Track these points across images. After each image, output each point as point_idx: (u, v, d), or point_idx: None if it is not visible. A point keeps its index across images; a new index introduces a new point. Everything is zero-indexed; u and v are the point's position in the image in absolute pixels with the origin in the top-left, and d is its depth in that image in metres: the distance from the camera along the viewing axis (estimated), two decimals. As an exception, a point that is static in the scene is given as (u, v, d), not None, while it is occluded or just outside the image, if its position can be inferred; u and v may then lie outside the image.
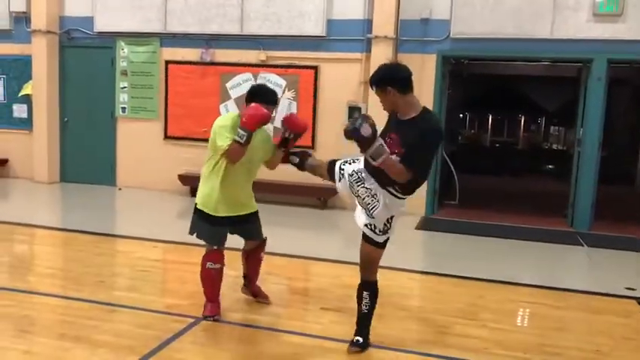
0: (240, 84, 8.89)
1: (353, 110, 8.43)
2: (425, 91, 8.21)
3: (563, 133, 18.08)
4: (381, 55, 8.10)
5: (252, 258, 4.47)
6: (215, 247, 4.07)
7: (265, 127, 4.05)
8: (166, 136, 9.36)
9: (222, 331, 3.96)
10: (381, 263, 5.06)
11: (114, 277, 5.04)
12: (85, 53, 9.66)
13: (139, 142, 9.50)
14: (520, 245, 6.94)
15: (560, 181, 10.11)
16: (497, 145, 18.61)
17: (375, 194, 3.48)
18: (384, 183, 3.42)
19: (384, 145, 3.24)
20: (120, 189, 9.52)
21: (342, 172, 3.74)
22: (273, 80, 8.74)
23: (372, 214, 3.49)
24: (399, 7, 8.15)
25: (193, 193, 9.09)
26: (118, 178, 9.70)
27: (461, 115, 18.69)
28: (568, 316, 4.66)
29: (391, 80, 3.38)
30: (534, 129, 19.96)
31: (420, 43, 8.18)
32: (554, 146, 18.38)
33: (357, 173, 3.61)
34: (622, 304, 4.93)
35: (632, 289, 5.25)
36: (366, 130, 3.20)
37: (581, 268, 6.42)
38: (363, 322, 3.69)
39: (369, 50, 8.24)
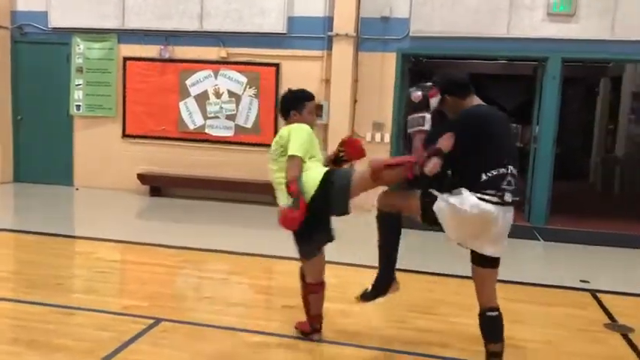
0: (201, 81, 8.79)
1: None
2: (385, 90, 8.30)
3: (521, 130, 18.49)
4: (342, 52, 8.16)
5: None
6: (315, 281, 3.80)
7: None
8: (125, 135, 9.18)
9: (183, 331, 3.90)
10: (333, 259, 5.04)
11: (71, 279, 4.93)
12: (39, 49, 9.38)
13: (96, 141, 9.29)
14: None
15: (519, 176, 10.31)
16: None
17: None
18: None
19: (426, 119, 3.17)
20: (77, 189, 9.29)
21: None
22: (234, 77, 8.68)
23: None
24: (359, 5, 8.19)
25: (153, 192, 9.03)
26: (75, 177, 9.46)
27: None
28: (524, 309, 4.76)
29: (446, 89, 3.28)
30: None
31: (381, 41, 8.24)
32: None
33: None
34: (577, 296, 5.08)
35: (587, 282, 5.41)
36: (416, 96, 3.20)
37: (537, 262, 6.59)
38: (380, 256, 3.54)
39: (330, 48, 8.26)
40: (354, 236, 7.40)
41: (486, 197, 3.09)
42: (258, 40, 8.57)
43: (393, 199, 3.42)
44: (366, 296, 3.56)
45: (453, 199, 3.11)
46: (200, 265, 5.71)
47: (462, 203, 3.09)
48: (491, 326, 3.31)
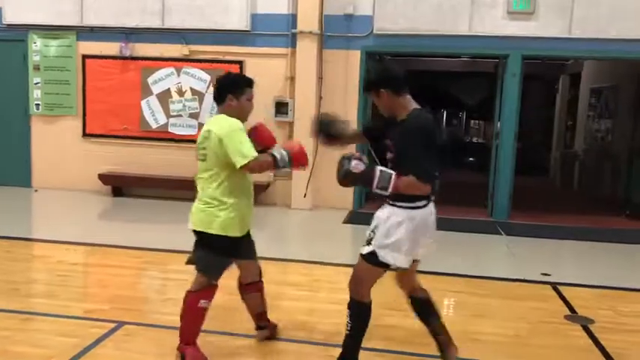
0: (163, 79, 8.65)
1: (280, 105, 8.40)
2: (350, 88, 8.31)
3: (483, 126, 18.80)
4: (307, 50, 8.13)
5: (257, 287, 3.73)
6: (214, 282, 3.42)
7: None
8: (85, 134, 8.97)
9: (147, 334, 3.83)
10: (309, 258, 5.04)
11: (29, 284, 4.77)
12: (-7, 46, 9.09)
13: (55, 141, 9.05)
14: (442, 236, 7.09)
15: (481, 173, 10.50)
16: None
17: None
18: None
19: (384, 171, 2.99)
20: (36, 190, 9.03)
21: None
22: (197, 75, 8.56)
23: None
24: (322, 3, 8.17)
25: (115, 192, 8.84)
26: (33, 178, 9.20)
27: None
28: (488, 303, 4.83)
29: (383, 82, 3.13)
30: (456, 123, 20.61)
31: (345, 39, 8.24)
32: (475, 139, 19.07)
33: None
34: (539, 289, 5.18)
35: (548, 275, 5.52)
36: (357, 166, 2.99)
37: (500, 257, 6.69)
38: (344, 344, 3.29)
39: (294, 45, 8.22)
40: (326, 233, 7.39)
41: (417, 204, 3.09)
42: (221, 37, 8.48)
43: (361, 283, 3.21)
44: None
45: (384, 235, 3.05)
46: (162, 266, 5.61)
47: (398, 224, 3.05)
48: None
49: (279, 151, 3.27)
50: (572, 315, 4.51)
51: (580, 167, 11.78)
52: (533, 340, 4.00)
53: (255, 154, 3.19)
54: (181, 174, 8.57)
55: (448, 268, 5.56)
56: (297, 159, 3.31)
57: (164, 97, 8.67)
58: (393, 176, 2.97)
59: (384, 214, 3.09)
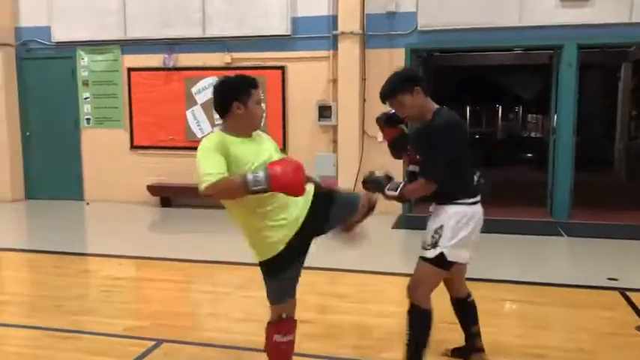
0: (206, 88, 8.62)
1: (323, 109, 8.22)
2: (395, 86, 8.02)
3: (541, 120, 18.05)
4: (349, 51, 7.93)
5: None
6: (284, 315, 2.98)
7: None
8: (133, 146, 9.06)
9: (187, 352, 3.70)
10: (354, 267, 4.79)
11: (73, 300, 4.72)
12: (44, 64, 9.31)
13: (105, 154, 9.18)
14: (500, 239, 6.75)
15: (540, 169, 10.00)
16: (477, 136, 18.53)
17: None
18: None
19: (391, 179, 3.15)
20: (88, 203, 9.19)
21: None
22: (239, 83, 8.48)
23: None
24: (363, 2, 7.94)
25: (163, 203, 8.89)
26: (85, 192, 9.36)
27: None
28: (549, 313, 4.48)
29: (415, 78, 3.13)
30: (512, 118, 19.90)
31: (387, 37, 7.97)
32: (533, 134, 18.34)
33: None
34: (605, 296, 4.77)
35: (615, 280, 5.09)
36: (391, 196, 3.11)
37: (561, 260, 6.27)
38: (407, 353, 3.15)
39: (335, 47, 8.03)
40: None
41: (471, 200, 3.11)
42: (262, 43, 8.37)
43: (423, 287, 3.12)
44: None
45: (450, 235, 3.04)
46: (208, 278, 5.53)
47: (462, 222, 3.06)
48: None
49: (254, 173, 2.62)
50: (645, 325, 4.11)
51: (647, 160, 11.03)
52: (600, 355, 3.64)
53: (215, 175, 2.62)
54: (227, 183, 8.52)
55: (504, 275, 5.23)
56: (279, 182, 2.60)
57: (208, 106, 8.63)
58: (401, 184, 3.09)
59: (447, 213, 3.05)
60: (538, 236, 6.91)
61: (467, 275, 5.15)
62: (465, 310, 3.40)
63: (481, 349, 3.40)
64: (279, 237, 2.87)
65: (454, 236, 3.02)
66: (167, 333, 3.97)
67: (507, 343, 3.80)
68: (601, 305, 4.57)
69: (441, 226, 3.03)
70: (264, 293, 4.72)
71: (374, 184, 3.15)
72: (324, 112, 8.16)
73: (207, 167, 2.65)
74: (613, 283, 5.01)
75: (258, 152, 2.82)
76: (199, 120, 8.71)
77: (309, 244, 2.99)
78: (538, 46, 8.41)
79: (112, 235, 7.38)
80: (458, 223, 3.02)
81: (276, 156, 2.91)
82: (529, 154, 15.30)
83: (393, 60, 7.96)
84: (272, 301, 2.98)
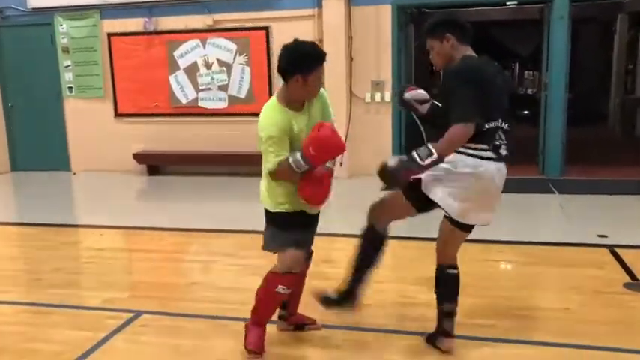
0: (189, 52, 8.39)
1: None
2: (382, 46, 7.81)
3: (537, 77, 17.78)
4: (334, 9, 7.68)
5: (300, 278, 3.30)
6: (294, 270, 3.03)
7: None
8: (117, 114, 8.87)
9: (164, 324, 3.61)
10: (337, 231, 4.68)
11: (52, 273, 4.61)
12: (22, 32, 9.03)
13: (89, 123, 8.97)
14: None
15: (536, 126, 9.85)
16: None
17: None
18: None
19: (422, 151, 2.73)
20: (74, 174, 9.05)
21: None
22: (222, 45, 8.26)
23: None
24: (348, -43, 7.66)
25: (150, 171, 8.75)
26: (71, 162, 9.21)
27: (434, 67, 18.28)
28: (539, 272, 4.41)
29: (450, 25, 2.90)
30: (508, 74, 19.61)
31: (374, -7, 7.72)
32: (529, 91, 18.08)
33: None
34: (594, 253, 4.69)
35: (605, 237, 5.01)
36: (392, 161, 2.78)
37: (552, 218, 6.18)
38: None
39: (320, 6, 7.76)
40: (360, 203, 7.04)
41: (481, 153, 2.79)
42: (244, 3, 8.10)
43: (383, 208, 3.14)
44: (327, 301, 3.26)
45: (443, 165, 2.77)
46: (193, 247, 5.44)
47: (457, 166, 2.80)
48: (450, 285, 3.05)
49: (294, 158, 2.80)
50: (633, 282, 4.03)
51: (642, 114, 10.87)
52: (587, 315, 3.56)
53: (279, 161, 2.85)
54: (215, 148, 8.39)
55: (495, 235, 5.12)
56: (312, 154, 2.75)
57: (192, 70, 8.43)
58: (429, 145, 2.71)
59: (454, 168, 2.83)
60: (530, 194, 6.80)
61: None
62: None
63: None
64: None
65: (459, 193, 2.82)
66: (147, 304, 3.89)
67: (495, 304, 3.74)
68: (590, 263, 4.50)
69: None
70: (252, 261, 4.66)
71: (396, 172, 2.75)
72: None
73: (274, 150, 2.85)
74: (602, 240, 4.93)
75: (309, 125, 2.91)
76: (183, 85, 8.50)
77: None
78: (530, 0, 8.15)
79: (96, 205, 7.28)
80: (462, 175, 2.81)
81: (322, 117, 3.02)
82: (525, 111, 15.10)
83: (380, 17, 7.74)
84: (276, 246, 3.07)
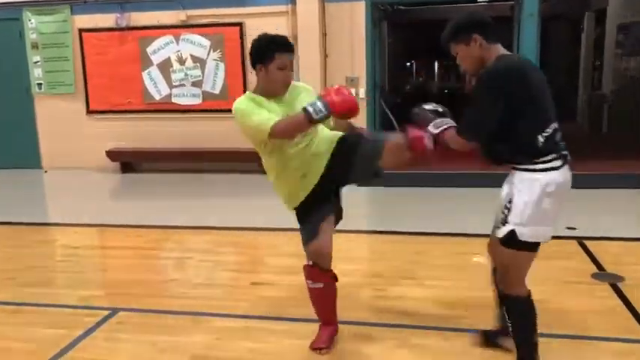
0: (162, 48, 8.32)
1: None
2: (357, 42, 7.86)
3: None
4: (307, 5, 7.70)
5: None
6: (311, 262, 3.05)
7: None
8: (89, 111, 8.75)
9: (142, 321, 3.61)
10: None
11: (26, 272, 4.55)
12: (-10, 27, 8.86)
13: (60, 120, 8.84)
14: (468, 193, 6.76)
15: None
16: (446, 91, 18.47)
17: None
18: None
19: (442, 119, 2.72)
20: (45, 171, 8.91)
21: None
22: (196, 41, 8.21)
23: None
24: (322, -47, 7.68)
25: (124, 169, 8.67)
26: (42, 159, 9.06)
27: (408, 64, 18.45)
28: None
29: (476, 25, 2.64)
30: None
31: (348, -10, 7.76)
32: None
33: None
34: (564, 245, 4.80)
35: (573, 229, 5.14)
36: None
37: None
38: (516, 346, 2.79)
39: (294, 2, 7.77)
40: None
41: (552, 164, 2.54)
42: (218, -1, 8.08)
43: (508, 273, 2.73)
44: None
45: (524, 198, 2.52)
46: (169, 244, 5.42)
47: (535, 193, 2.52)
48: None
49: (311, 104, 2.70)
50: (600, 273, 4.16)
51: (609, 109, 11.12)
52: (556, 305, 3.66)
53: (274, 120, 2.76)
54: (189, 145, 8.35)
55: (464, 229, 5.23)
56: (340, 106, 2.70)
57: (165, 66, 8.36)
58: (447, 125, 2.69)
59: (516, 182, 2.58)
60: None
61: (433, 230, 5.21)
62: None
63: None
64: (302, 187, 3.01)
65: (527, 208, 2.53)
66: (123, 301, 3.88)
67: (469, 296, 3.81)
68: (560, 255, 4.59)
69: (511, 199, 2.59)
70: (228, 257, 4.68)
71: (418, 116, 2.78)
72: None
73: (261, 116, 2.78)
74: (572, 232, 5.06)
75: (285, 114, 2.85)
76: (156, 81, 8.43)
77: (333, 193, 3.11)
78: (500, -3, 8.28)
79: (70, 203, 7.18)
80: (529, 194, 2.53)
81: None
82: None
83: (354, 14, 7.78)
84: (303, 243, 3.10)
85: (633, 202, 6.37)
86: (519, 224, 2.54)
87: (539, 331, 2.76)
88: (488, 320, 3.13)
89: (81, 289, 4.19)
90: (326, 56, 7.88)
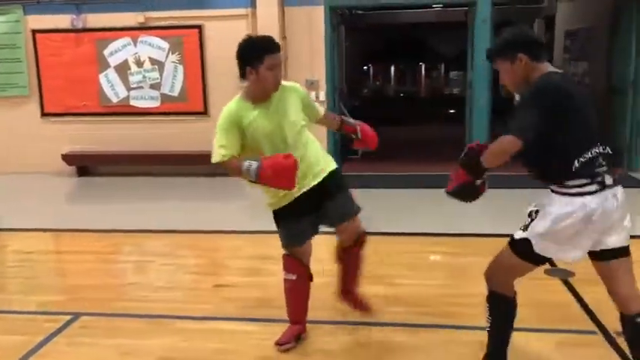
0: (119, 50, 8.21)
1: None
2: (316, 47, 7.95)
3: (462, 77, 18.49)
4: (267, 9, 7.74)
5: (349, 254, 3.33)
6: (285, 252, 3.19)
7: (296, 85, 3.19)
8: (44, 113, 8.55)
9: (105, 326, 3.59)
10: (268, 228, 4.69)
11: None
12: (-63, 27, 8.55)
13: (13, 123, 8.59)
14: (416, 193, 6.93)
15: (463, 124, 10.29)
16: (402, 94, 18.77)
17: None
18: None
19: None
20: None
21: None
22: (154, 43, 8.14)
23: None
24: (281, -42, 7.74)
25: (80, 172, 8.51)
26: (-6, 164, 8.80)
27: (365, 68, 18.70)
28: (471, 263, 4.61)
29: (522, 44, 2.56)
30: (436, 76, 20.26)
31: (307, -6, 7.84)
32: (455, 91, 18.77)
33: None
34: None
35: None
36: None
37: (479, 212, 6.50)
38: (488, 341, 2.87)
39: (254, 5, 7.81)
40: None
41: (582, 189, 2.48)
42: (177, 1, 8.01)
43: (499, 272, 2.82)
44: None
45: (543, 223, 2.54)
46: (129, 248, 5.37)
47: (558, 218, 2.51)
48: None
49: (251, 164, 2.82)
50: (552, 269, 4.33)
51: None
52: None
53: (224, 156, 2.93)
54: (147, 148, 8.26)
55: (428, 228, 5.37)
56: (266, 176, 2.79)
57: (122, 69, 8.26)
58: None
59: (552, 198, 2.59)
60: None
61: (396, 230, 5.31)
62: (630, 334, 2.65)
63: None
64: (282, 196, 3.06)
65: (546, 226, 2.52)
66: (85, 306, 3.85)
67: (430, 294, 3.92)
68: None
69: (537, 210, 2.61)
70: (188, 260, 4.69)
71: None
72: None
73: (219, 141, 2.93)
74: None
75: (280, 121, 2.96)
76: (113, 84, 8.31)
77: (311, 212, 3.12)
78: (454, 3, 8.53)
79: (23, 207, 6.99)
80: (559, 213, 2.50)
81: (302, 116, 3.10)
82: (451, 111, 15.69)
83: (313, 18, 7.87)
84: (282, 245, 3.21)
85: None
86: (535, 236, 2.57)
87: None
88: (453, 316, 3.25)
89: (38, 294, 4.11)
90: (286, 59, 7.93)
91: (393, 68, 19.60)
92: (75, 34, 8.26)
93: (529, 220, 2.62)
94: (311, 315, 3.35)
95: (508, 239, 2.74)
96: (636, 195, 6.99)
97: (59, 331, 3.47)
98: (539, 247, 2.56)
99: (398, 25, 13.39)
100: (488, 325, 2.82)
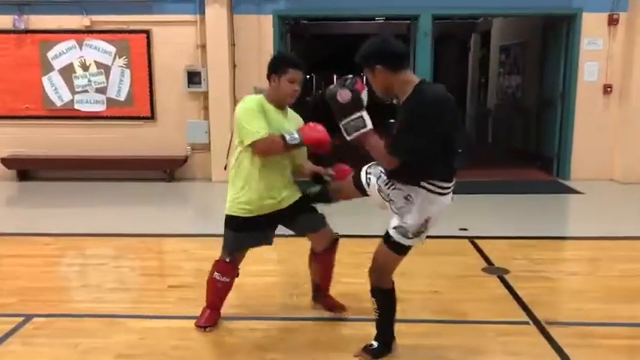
0: (64, 52, 8.11)
1: (192, 75, 8.10)
2: (265, 53, 8.06)
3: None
4: (216, 16, 7.86)
5: (323, 259, 3.68)
6: (227, 259, 3.44)
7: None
8: (-18, 116, 8.32)
9: (59, 326, 3.60)
10: (214, 232, 4.83)
11: None
12: None
13: (-52, 125, 8.33)
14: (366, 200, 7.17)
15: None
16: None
17: (409, 195, 2.86)
18: (417, 178, 2.81)
19: (365, 118, 2.74)
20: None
21: (368, 175, 3.10)
22: (101, 47, 8.08)
23: (405, 221, 2.89)
24: (231, -34, 7.87)
25: (21, 176, 8.32)
26: None
27: (307, 77, 18.95)
28: (410, 261, 4.80)
29: (379, 56, 2.76)
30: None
31: (255, 3, 7.99)
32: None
33: (383, 174, 2.97)
34: (457, 244, 5.31)
35: (465, 230, 5.68)
36: (344, 96, 2.72)
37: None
38: (378, 328, 3.18)
39: (203, 12, 7.89)
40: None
41: (448, 190, 2.94)
42: (124, 6, 8.01)
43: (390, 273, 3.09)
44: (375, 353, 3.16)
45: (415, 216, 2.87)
46: (77, 251, 5.33)
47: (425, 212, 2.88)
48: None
49: (289, 132, 3.21)
50: (489, 267, 4.66)
51: (493, 122, 12.16)
52: (452, 295, 4.10)
53: (264, 134, 3.16)
54: (92, 152, 8.18)
55: (370, 230, 5.58)
56: (309, 134, 3.24)
57: (67, 72, 8.15)
58: (369, 128, 2.74)
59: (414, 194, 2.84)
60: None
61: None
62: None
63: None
64: (259, 205, 3.34)
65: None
66: (37, 308, 3.84)
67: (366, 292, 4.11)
68: (453, 252, 5.10)
69: (429, 219, 2.92)
70: (138, 263, 4.74)
71: (332, 101, 2.78)
72: (194, 78, 8.05)
73: (256, 125, 3.16)
74: (464, 233, 5.59)
75: (283, 126, 3.28)
76: (57, 87, 8.19)
77: (274, 227, 3.49)
78: (398, 16, 8.88)
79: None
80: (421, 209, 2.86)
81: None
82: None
83: (261, 26, 8.03)
84: (223, 247, 3.46)
85: (515, 206, 7.08)
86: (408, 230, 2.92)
87: (435, 318, 3.40)
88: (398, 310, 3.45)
89: (-13, 298, 4.06)
90: (235, 66, 8.05)
91: (335, 77, 19.96)
92: (17, 36, 8.10)
93: (422, 229, 2.99)
94: (265, 312, 3.48)
95: (390, 245, 3.05)
96: (564, 200, 7.56)
97: (12, 332, 3.46)
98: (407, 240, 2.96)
99: (342, 36, 13.70)
100: (378, 317, 3.14)
